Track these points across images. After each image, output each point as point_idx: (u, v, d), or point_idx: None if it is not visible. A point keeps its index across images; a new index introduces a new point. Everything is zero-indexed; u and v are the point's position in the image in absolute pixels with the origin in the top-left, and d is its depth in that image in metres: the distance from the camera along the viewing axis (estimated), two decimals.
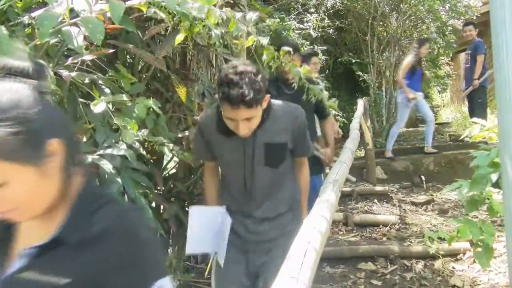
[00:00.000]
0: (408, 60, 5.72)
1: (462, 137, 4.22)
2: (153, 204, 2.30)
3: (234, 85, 1.44)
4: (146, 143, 1.94)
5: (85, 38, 1.46)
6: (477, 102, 6.09)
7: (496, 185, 1.71)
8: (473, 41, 6.11)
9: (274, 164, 1.76)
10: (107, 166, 1.56)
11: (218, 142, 1.76)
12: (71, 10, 1.38)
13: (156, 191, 2.21)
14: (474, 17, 7.58)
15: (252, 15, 1.80)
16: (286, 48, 2.02)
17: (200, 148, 1.89)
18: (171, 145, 1.83)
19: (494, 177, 1.68)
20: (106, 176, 1.61)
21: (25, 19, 1.55)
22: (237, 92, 1.43)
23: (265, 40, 1.73)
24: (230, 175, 1.85)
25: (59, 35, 1.45)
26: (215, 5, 1.60)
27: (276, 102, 1.76)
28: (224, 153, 1.78)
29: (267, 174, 1.77)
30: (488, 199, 1.81)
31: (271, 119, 1.70)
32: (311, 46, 6.10)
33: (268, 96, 1.60)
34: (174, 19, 1.61)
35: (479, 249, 1.75)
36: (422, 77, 5.90)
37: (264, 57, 1.86)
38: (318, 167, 3.07)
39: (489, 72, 5.92)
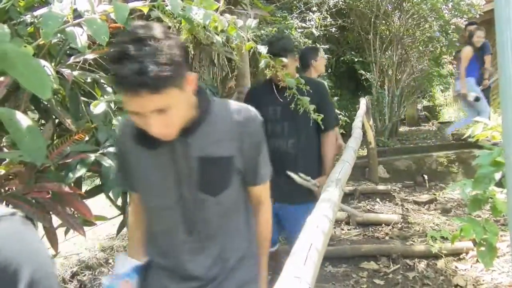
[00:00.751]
0: (467, 49, 5.77)
1: (465, 136, 4.22)
2: None
3: (128, 58, 0.93)
4: None
5: (87, 37, 1.46)
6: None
7: (500, 184, 1.70)
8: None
9: (212, 190, 1.19)
10: (109, 164, 1.56)
11: (138, 158, 1.22)
12: (74, 11, 1.38)
13: None
14: (477, 16, 7.55)
15: (252, 22, 1.79)
16: (284, 60, 2.04)
17: (118, 169, 1.35)
18: None
19: (497, 176, 1.68)
20: (108, 174, 1.61)
21: (28, 18, 1.55)
22: (133, 68, 0.92)
23: (263, 50, 1.73)
24: (156, 210, 1.27)
25: (62, 35, 1.45)
26: (216, 10, 1.60)
27: (220, 99, 1.29)
28: (147, 173, 1.22)
29: (210, 208, 1.21)
30: (491, 198, 1.80)
31: (210, 121, 1.17)
32: (313, 45, 6.08)
33: (193, 75, 1.09)
34: (176, 20, 1.61)
35: (482, 249, 1.74)
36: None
37: (262, 64, 1.87)
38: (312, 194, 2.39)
39: (491, 70, 5.91)
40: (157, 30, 0.99)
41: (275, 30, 4.93)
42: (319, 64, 3.59)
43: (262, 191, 1.35)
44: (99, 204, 2.17)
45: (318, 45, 6.05)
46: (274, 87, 2.37)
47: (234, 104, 1.26)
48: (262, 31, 4.27)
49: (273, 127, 2.37)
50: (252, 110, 1.26)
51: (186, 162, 1.16)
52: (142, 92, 0.95)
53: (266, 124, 2.23)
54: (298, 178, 2.36)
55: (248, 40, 1.65)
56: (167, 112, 1.01)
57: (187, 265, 1.24)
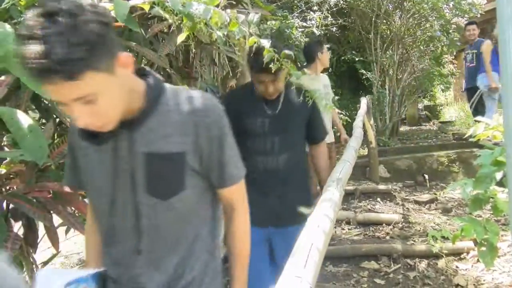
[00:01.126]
0: (487, 43, 5.83)
1: (466, 136, 4.21)
2: None
3: (34, 38, 0.77)
4: None
5: None
6: (484, 101, 6.10)
7: (501, 183, 1.70)
8: (475, 40, 6.11)
9: (162, 193, 1.02)
10: None
11: (85, 154, 1.08)
12: None
13: None
14: (478, 15, 7.54)
15: (254, 16, 1.79)
16: (287, 52, 1.98)
17: (68, 165, 1.19)
18: None
19: (498, 175, 1.67)
20: None
21: None
22: (37, 50, 0.76)
23: (266, 43, 1.71)
24: (102, 213, 1.11)
25: None
26: (217, 6, 1.59)
27: (172, 86, 1.09)
28: (92, 172, 1.07)
29: (161, 214, 1.04)
30: (492, 198, 1.80)
31: (161, 112, 1.01)
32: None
33: (127, 55, 0.92)
34: (177, 17, 1.60)
35: (483, 248, 1.74)
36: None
37: (266, 58, 1.85)
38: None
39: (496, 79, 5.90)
40: (72, 2, 0.80)
41: (278, 24, 4.93)
42: (325, 57, 3.60)
43: (234, 195, 1.15)
44: None
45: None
46: (259, 100, 2.04)
47: (191, 91, 1.07)
48: (265, 25, 4.26)
49: (260, 142, 2.03)
50: (212, 98, 1.08)
51: (130, 159, 1.01)
52: (53, 78, 0.78)
53: (250, 139, 2.02)
54: (307, 210, 1.88)
55: (251, 35, 1.64)
56: (93, 101, 0.84)
57: (140, 279, 1.07)
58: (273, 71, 1.74)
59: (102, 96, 0.86)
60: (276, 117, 2.02)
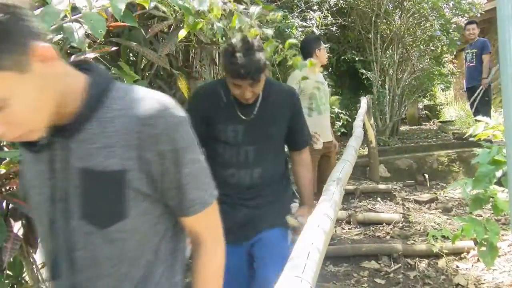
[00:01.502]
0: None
1: (466, 136, 4.21)
2: None
3: None
4: None
5: (88, 36, 1.46)
6: (484, 101, 6.10)
7: (500, 183, 1.70)
8: (475, 39, 6.11)
9: (99, 221, 0.81)
10: None
11: (24, 161, 0.94)
12: (73, 8, 1.38)
13: None
14: (478, 15, 7.54)
15: (255, 9, 1.78)
16: (292, 41, 1.94)
17: (20, 178, 1.08)
18: None
19: (498, 174, 1.67)
20: None
21: None
22: None
23: (269, 31, 1.70)
24: (44, 238, 0.92)
25: (62, 33, 1.45)
26: None
27: (125, 85, 0.88)
28: (31, 186, 0.89)
29: (98, 246, 0.83)
30: (492, 197, 1.80)
31: (103, 117, 0.80)
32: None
33: (45, 46, 0.72)
34: (177, 15, 1.60)
35: (484, 248, 1.74)
36: None
37: (268, 49, 1.83)
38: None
39: (494, 69, 5.90)
40: None
41: (280, 16, 4.91)
42: (322, 54, 3.59)
43: (200, 225, 0.91)
44: None
45: None
46: (233, 103, 1.75)
47: (146, 91, 0.84)
48: (267, 17, 4.25)
49: (231, 153, 1.76)
50: (166, 102, 0.82)
51: (65, 175, 0.82)
52: None
53: (219, 149, 1.75)
54: (291, 220, 1.81)
55: (252, 27, 1.63)
56: (3, 108, 0.69)
57: None
58: (253, 78, 1.57)
59: (15, 100, 0.69)
60: (251, 124, 1.75)
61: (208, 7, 1.49)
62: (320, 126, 3.32)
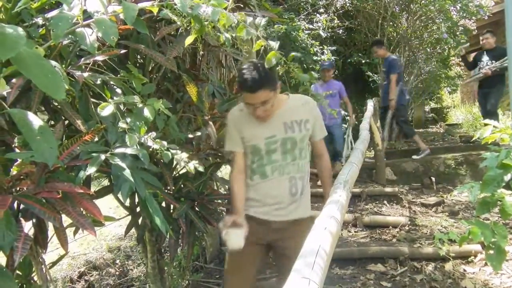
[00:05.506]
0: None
1: (473, 139, 4.18)
2: (163, 204, 2.33)
3: None
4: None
5: (97, 39, 1.48)
6: (401, 121, 6.12)
7: (508, 186, 1.69)
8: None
9: None
10: (120, 164, 1.57)
11: None
12: (84, 12, 1.40)
13: (166, 190, 2.23)
14: (486, 17, 7.50)
15: (261, 20, 1.80)
16: (294, 54, 1.99)
17: None
18: (174, 151, 1.77)
19: (506, 178, 1.67)
20: (118, 174, 1.62)
21: (39, 20, 1.57)
22: None
23: (275, 45, 1.72)
24: None
25: (72, 36, 1.47)
26: (226, 8, 1.61)
27: None
28: None
29: None
30: (500, 201, 1.79)
31: None
32: (321, 47, 6.09)
33: None
34: (185, 20, 1.62)
35: (491, 251, 1.73)
36: None
37: (272, 61, 1.85)
38: None
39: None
40: None
41: (284, 28, 4.94)
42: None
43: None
44: (104, 205, 2.19)
45: (325, 47, 6.08)
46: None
47: None
48: (272, 29, 4.27)
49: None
50: None
51: None
52: None
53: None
54: None
55: (258, 38, 1.65)
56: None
57: None
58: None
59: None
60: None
61: (220, 17, 1.51)
62: None
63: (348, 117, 6.08)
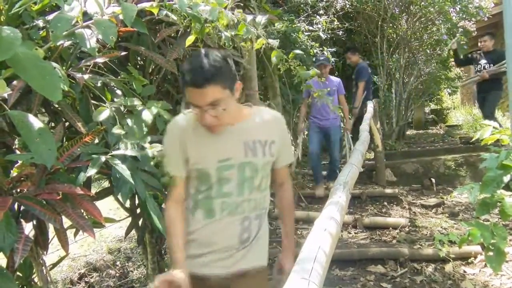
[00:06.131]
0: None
1: (473, 140, 4.18)
2: (163, 206, 2.33)
3: None
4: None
5: (97, 41, 1.49)
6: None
7: (508, 187, 1.70)
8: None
9: None
10: (120, 166, 1.57)
11: None
12: (84, 13, 1.41)
13: (166, 192, 2.23)
14: (486, 19, 7.50)
15: (261, 18, 1.80)
16: (296, 51, 1.99)
17: None
18: None
19: (506, 179, 1.67)
20: (118, 176, 1.62)
21: (40, 22, 1.58)
22: None
23: (275, 43, 1.72)
24: None
25: (73, 38, 1.48)
26: (225, 8, 1.61)
27: None
28: None
29: None
30: (500, 202, 1.79)
31: None
32: (321, 48, 6.09)
33: None
34: (185, 21, 1.63)
35: (491, 253, 1.73)
36: None
37: (274, 60, 1.86)
38: None
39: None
40: None
41: (285, 26, 4.93)
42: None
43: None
44: (104, 206, 2.19)
45: (325, 48, 6.08)
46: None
47: None
48: (273, 27, 4.27)
49: None
50: None
51: None
52: None
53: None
54: None
55: (259, 37, 1.66)
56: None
57: None
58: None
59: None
60: None
61: (218, 16, 1.51)
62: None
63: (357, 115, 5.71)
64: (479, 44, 6.20)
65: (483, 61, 6.05)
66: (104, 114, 1.61)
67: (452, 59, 8.68)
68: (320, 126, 5.07)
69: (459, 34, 7.28)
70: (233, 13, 1.59)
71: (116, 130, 1.61)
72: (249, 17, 1.65)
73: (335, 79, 5.18)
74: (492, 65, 5.84)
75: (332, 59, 6.25)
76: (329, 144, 5.18)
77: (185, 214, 1.52)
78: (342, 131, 5.56)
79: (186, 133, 1.46)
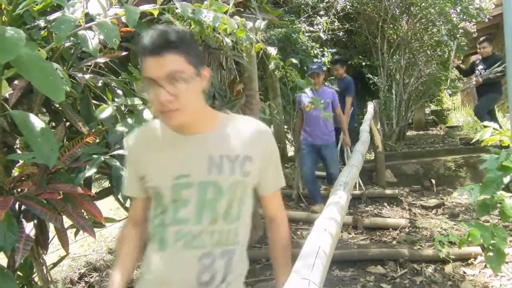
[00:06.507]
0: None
1: (473, 141, 4.18)
2: None
3: None
4: None
5: (98, 41, 1.49)
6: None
7: (508, 188, 1.70)
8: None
9: None
10: (119, 166, 1.58)
11: None
12: (86, 14, 1.41)
13: None
14: (486, 20, 7.51)
15: (261, 23, 1.81)
16: (293, 60, 2.00)
17: None
18: None
19: (506, 180, 1.67)
20: (118, 176, 1.63)
21: (41, 22, 1.58)
22: None
23: (273, 51, 1.73)
24: None
25: (74, 39, 1.48)
26: (226, 12, 1.62)
27: None
28: None
29: None
30: (500, 203, 1.80)
31: None
32: (321, 49, 6.10)
33: None
34: (185, 23, 1.63)
35: (490, 254, 1.73)
36: None
37: (272, 66, 1.87)
38: None
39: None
40: None
41: (284, 31, 4.94)
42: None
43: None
44: (104, 206, 2.19)
45: (325, 49, 6.08)
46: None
47: None
48: (272, 32, 4.28)
49: None
50: None
51: None
52: None
53: None
54: None
55: (257, 42, 1.67)
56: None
57: None
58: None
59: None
60: None
61: (220, 22, 1.52)
62: None
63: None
64: (478, 50, 6.25)
65: (480, 67, 6.17)
66: (106, 112, 1.61)
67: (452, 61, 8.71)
68: (312, 144, 4.60)
69: (460, 36, 7.30)
70: (232, 17, 1.60)
71: (120, 127, 1.61)
72: (249, 24, 1.66)
73: (330, 91, 4.65)
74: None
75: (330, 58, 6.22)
76: (324, 163, 4.77)
77: (145, 239, 1.27)
78: (339, 146, 5.06)
79: (141, 148, 1.21)
